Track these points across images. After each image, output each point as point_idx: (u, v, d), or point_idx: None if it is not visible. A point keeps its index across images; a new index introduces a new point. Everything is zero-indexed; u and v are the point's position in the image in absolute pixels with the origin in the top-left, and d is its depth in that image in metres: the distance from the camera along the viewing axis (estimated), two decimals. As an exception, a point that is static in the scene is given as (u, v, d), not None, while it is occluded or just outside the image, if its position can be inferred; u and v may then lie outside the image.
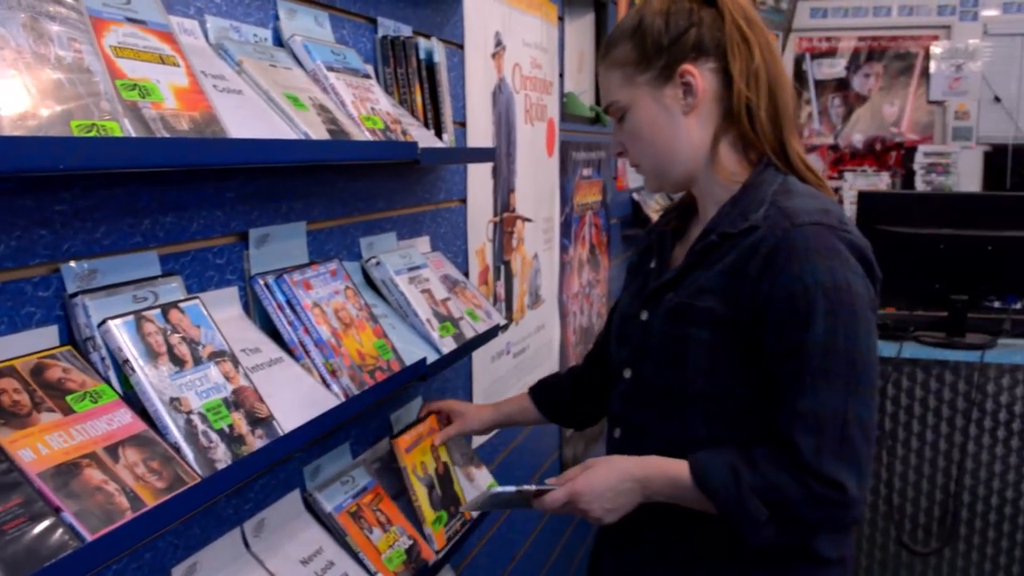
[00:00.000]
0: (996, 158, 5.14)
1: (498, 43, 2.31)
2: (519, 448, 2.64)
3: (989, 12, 5.03)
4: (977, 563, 2.83)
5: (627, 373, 1.38)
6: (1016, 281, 2.75)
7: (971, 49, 5.04)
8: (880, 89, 5.25)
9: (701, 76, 1.28)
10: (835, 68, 5.30)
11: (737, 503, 1.19)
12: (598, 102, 3.58)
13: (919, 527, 2.87)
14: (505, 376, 2.50)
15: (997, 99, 5.06)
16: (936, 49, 5.09)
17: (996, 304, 2.78)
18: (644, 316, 1.37)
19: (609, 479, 1.30)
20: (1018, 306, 2.78)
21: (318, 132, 1.21)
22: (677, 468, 1.25)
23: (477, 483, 1.88)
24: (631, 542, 1.40)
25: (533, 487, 1.36)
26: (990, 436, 2.76)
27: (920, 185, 5.01)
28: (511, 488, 1.38)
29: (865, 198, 2.87)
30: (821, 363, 1.16)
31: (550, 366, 2.94)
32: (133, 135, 0.87)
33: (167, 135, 0.91)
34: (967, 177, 5.11)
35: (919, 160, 5.03)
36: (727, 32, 1.27)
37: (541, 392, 1.75)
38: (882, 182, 4.99)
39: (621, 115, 1.36)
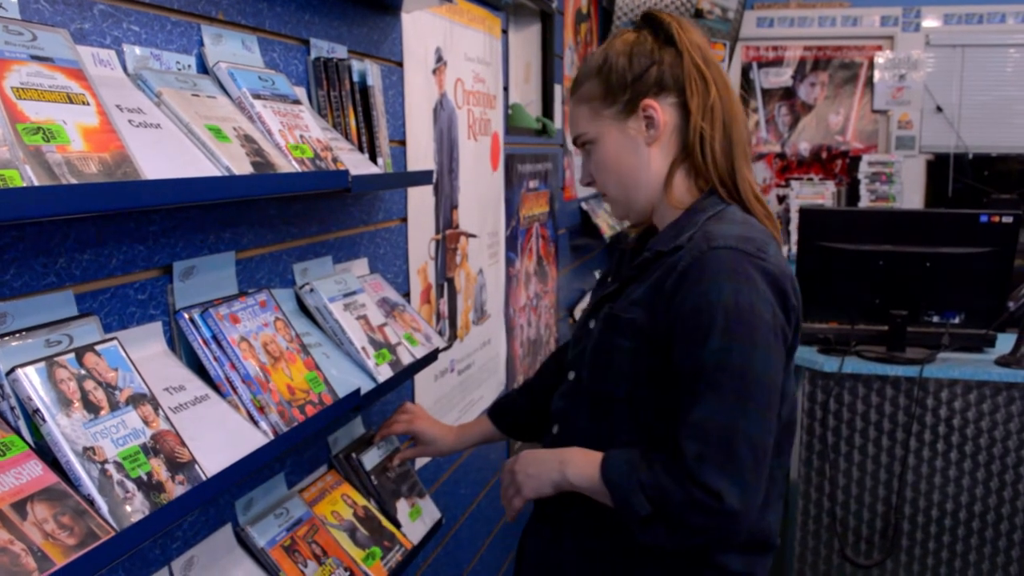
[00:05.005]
0: (938, 167, 5.22)
1: (439, 59, 2.28)
2: (464, 465, 2.61)
3: (931, 23, 5.11)
4: (919, 574, 2.86)
5: (571, 375, 1.47)
6: (954, 296, 2.78)
7: (913, 59, 5.12)
8: (825, 98, 5.31)
9: (662, 110, 1.38)
10: (781, 77, 5.35)
11: (625, 495, 1.26)
12: (545, 113, 3.57)
13: (861, 539, 2.90)
14: (449, 394, 2.47)
15: (939, 109, 5.14)
16: (879, 59, 5.16)
17: (935, 319, 2.81)
18: (591, 325, 1.47)
19: (541, 451, 1.44)
20: (956, 321, 2.81)
21: (241, 166, 1.17)
22: (594, 457, 1.34)
23: (426, 515, 1.86)
24: (553, 523, 1.46)
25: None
26: (930, 449, 2.79)
27: (864, 194, 5.06)
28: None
29: (806, 215, 2.89)
30: (713, 377, 1.21)
31: (497, 381, 2.93)
32: (35, 183, 0.83)
33: (73, 181, 0.87)
34: (910, 186, 5.18)
35: (863, 169, 5.08)
36: (685, 70, 1.37)
37: (501, 415, 1.84)
38: (828, 191, 5.04)
39: (589, 147, 1.46)
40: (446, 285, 2.41)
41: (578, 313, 4.02)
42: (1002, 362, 2.75)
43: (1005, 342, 2.89)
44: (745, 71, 5.34)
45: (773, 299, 1.25)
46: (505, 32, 2.96)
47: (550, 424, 1.52)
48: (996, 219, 2.67)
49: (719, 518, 1.19)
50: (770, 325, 1.23)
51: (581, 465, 1.35)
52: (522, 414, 1.82)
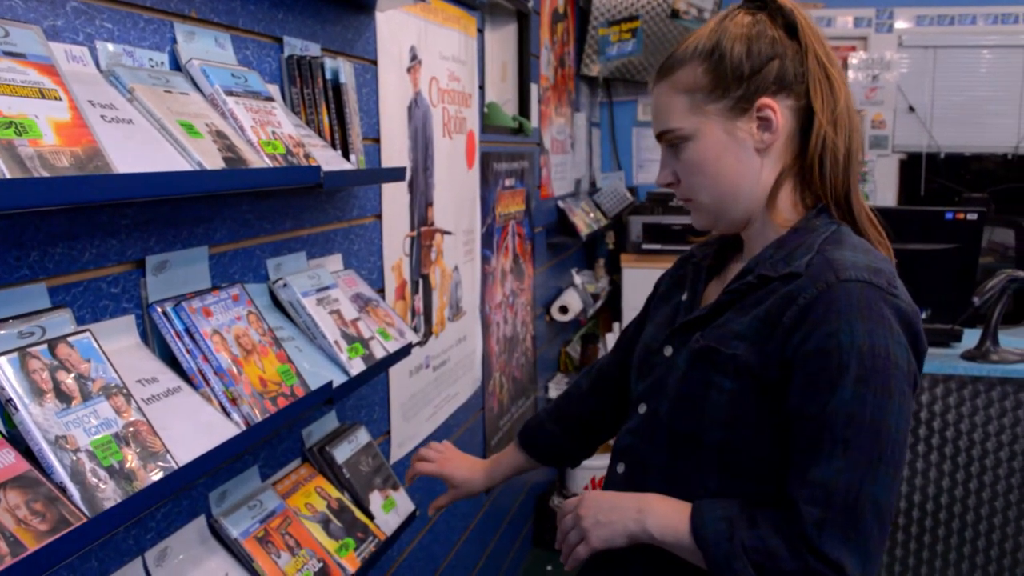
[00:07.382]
0: (911, 166, 5.28)
1: (413, 57, 2.31)
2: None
3: (903, 24, 5.17)
4: (887, 566, 2.91)
5: (642, 408, 1.32)
6: (925, 293, 2.82)
7: (887, 60, 5.18)
8: (800, 98, 5.37)
9: (780, 112, 1.20)
10: (757, 77, 5.40)
11: (725, 559, 1.11)
12: (522, 111, 3.60)
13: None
14: (425, 389, 2.50)
15: (911, 109, 5.20)
16: (853, 59, 5.21)
17: (904, 315, 2.85)
18: (668, 352, 1.31)
19: (613, 494, 1.28)
20: (923, 316, 2.85)
21: (213, 161, 1.19)
22: (680, 507, 1.19)
23: (399, 507, 1.89)
24: (621, 565, 1.31)
25: None
26: (898, 442, 2.83)
27: (838, 192, 5.13)
28: None
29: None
30: (842, 432, 1.07)
31: (472, 378, 2.95)
32: (7, 176, 0.85)
33: (45, 174, 0.90)
34: (883, 185, 5.24)
35: (837, 168, 5.14)
36: (809, 68, 1.19)
37: (532, 442, 1.69)
38: (802, 189, 5.10)
39: (680, 144, 1.25)
40: (421, 282, 2.43)
41: (555, 311, 4.05)
42: (968, 356, 2.80)
43: (971, 337, 2.93)
44: (721, 71, 5.39)
45: (907, 343, 1.11)
46: (481, 31, 2.99)
47: (614, 462, 1.37)
48: (961, 216, 2.72)
49: None
50: (904, 372, 1.09)
51: (665, 516, 1.19)
52: (555, 441, 1.67)
